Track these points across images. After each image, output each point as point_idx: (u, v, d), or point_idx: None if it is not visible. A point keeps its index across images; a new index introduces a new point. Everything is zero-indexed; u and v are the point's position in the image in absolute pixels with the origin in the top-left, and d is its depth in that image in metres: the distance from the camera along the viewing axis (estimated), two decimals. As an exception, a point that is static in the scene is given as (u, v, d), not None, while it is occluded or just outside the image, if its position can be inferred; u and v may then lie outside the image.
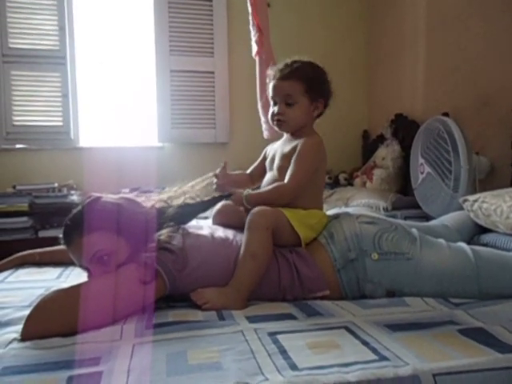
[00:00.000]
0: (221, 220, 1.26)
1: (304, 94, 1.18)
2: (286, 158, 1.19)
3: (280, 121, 1.20)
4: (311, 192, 1.18)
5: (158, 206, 1.11)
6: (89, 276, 0.99)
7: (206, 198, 1.18)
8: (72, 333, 0.81)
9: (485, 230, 1.53)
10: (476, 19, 2.23)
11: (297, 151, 1.16)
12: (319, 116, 1.25)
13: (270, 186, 1.17)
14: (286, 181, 1.15)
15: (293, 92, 1.17)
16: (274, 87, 1.20)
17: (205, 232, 1.11)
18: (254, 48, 2.31)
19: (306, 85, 1.18)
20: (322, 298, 1.05)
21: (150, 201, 1.12)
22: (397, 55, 2.94)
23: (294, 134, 1.23)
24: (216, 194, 1.22)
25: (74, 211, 1.01)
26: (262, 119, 2.29)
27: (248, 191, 1.18)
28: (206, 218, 2.05)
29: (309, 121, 1.22)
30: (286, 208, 1.13)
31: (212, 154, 3.06)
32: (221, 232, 1.13)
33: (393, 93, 3.03)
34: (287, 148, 1.21)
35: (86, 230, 0.96)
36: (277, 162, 1.23)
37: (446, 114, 2.22)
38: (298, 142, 1.18)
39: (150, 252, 0.95)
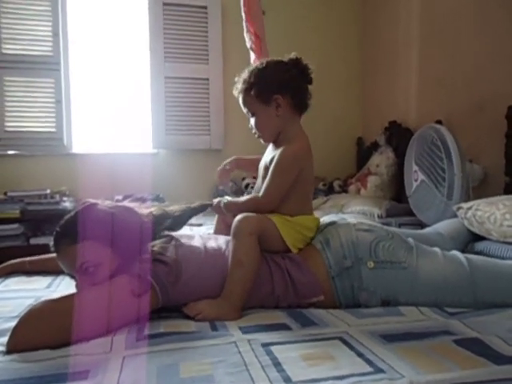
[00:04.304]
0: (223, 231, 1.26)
1: (256, 101, 1.13)
2: (267, 168, 1.17)
3: (256, 134, 1.20)
4: (295, 199, 1.14)
5: (154, 213, 1.09)
6: (76, 285, 0.97)
7: (192, 206, 1.16)
8: (60, 345, 0.79)
9: (478, 238, 1.53)
10: (469, 26, 2.25)
11: (273, 163, 1.12)
12: (302, 112, 1.17)
13: (246, 198, 1.16)
14: (260, 194, 1.13)
15: (247, 105, 1.16)
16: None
17: (197, 243, 1.09)
18: (252, 55, 2.31)
19: (252, 92, 1.12)
20: (317, 305, 1.03)
21: (146, 209, 1.10)
22: (390, 62, 2.96)
23: (276, 142, 1.19)
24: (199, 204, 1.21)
25: (66, 218, 1.00)
26: None
27: (227, 199, 1.18)
28: (199, 225, 2.05)
29: (281, 124, 1.14)
30: (274, 213, 1.11)
31: (206, 161, 3.05)
32: (213, 242, 1.12)
33: (386, 100, 3.04)
34: (269, 158, 1.18)
35: (75, 239, 0.94)
36: (261, 172, 1.22)
37: (439, 122, 2.23)
38: (276, 152, 1.14)
39: (143, 263, 0.94)
